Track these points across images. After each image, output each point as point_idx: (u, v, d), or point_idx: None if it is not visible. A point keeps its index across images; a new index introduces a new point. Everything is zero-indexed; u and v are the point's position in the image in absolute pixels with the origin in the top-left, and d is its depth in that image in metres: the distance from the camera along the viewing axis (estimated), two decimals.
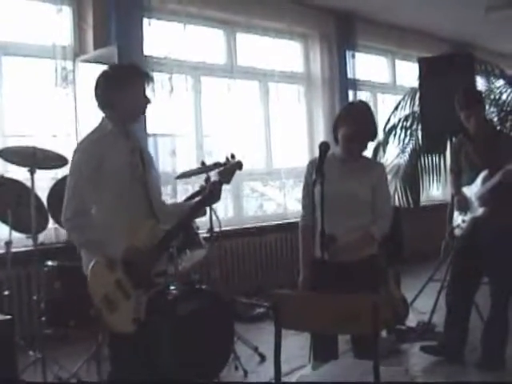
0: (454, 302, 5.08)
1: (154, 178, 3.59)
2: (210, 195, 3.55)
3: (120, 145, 3.40)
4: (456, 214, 5.21)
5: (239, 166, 3.60)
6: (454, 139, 5.42)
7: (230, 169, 3.57)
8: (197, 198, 3.64)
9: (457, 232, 5.19)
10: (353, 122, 3.71)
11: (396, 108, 8.56)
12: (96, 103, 3.47)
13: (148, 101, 3.47)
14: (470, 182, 4.98)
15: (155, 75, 6.94)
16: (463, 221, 5.09)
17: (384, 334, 5.46)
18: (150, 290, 3.32)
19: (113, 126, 3.42)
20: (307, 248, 3.78)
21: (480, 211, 4.92)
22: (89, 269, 3.31)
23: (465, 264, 5.03)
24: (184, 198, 5.32)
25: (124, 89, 3.37)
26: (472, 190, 4.96)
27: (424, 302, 6.38)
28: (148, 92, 3.50)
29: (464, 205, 5.05)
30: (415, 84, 7.48)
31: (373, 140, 3.86)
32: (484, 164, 4.86)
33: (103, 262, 3.27)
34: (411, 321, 5.92)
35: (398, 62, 10.78)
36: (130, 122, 3.50)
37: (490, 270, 4.98)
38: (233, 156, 3.58)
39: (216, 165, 5.18)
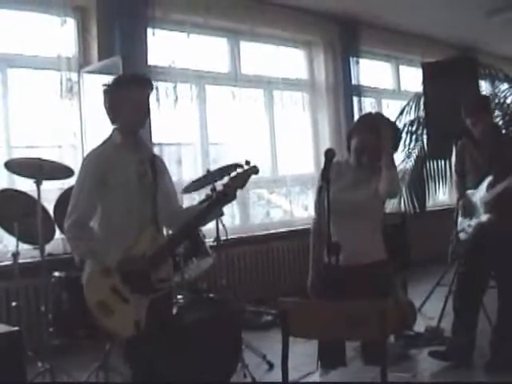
0: (461, 306, 5.06)
1: (165, 187, 3.59)
2: (220, 197, 3.52)
3: (127, 157, 3.43)
4: (460, 217, 5.21)
5: (255, 170, 3.56)
6: (458, 143, 5.43)
7: (244, 174, 3.53)
8: (208, 202, 3.61)
9: (462, 236, 5.20)
10: (364, 135, 3.75)
11: (401, 113, 8.60)
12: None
13: (148, 109, 3.49)
14: (475, 185, 4.99)
15: (160, 84, 6.98)
16: (469, 225, 5.09)
17: (392, 339, 5.44)
18: (150, 294, 3.34)
19: (121, 138, 3.45)
20: (317, 251, 3.82)
21: (485, 217, 4.92)
22: (84, 276, 3.39)
23: (471, 268, 5.03)
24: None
25: (120, 99, 3.41)
26: (477, 195, 4.97)
27: (432, 306, 6.37)
28: (151, 99, 3.53)
29: (469, 209, 5.05)
30: (420, 89, 7.49)
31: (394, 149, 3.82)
32: (489, 169, 4.86)
33: (98, 270, 3.33)
34: (419, 326, 5.90)
35: (402, 67, 10.79)
36: (132, 131, 3.51)
37: (498, 275, 4.97)
38: (247, 162, 3.55)
39: (223, 169, 5.19)
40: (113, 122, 3.50)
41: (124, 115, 3.42)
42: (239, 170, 3.52)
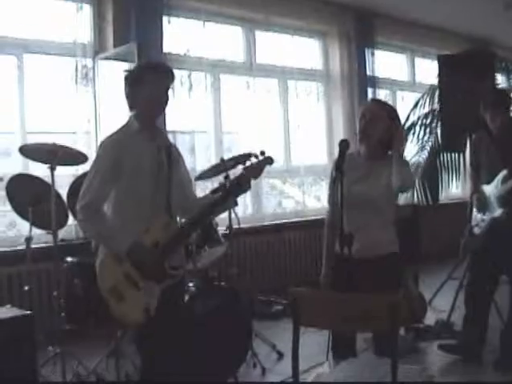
0: (472, 301, 5.06)
1: (180, 175, 3.60)
2: (235, 187, 3.53)
3: (143, 144, 3.43)
4: (475, 212, 5.19)
5: (270, 161, 3.55)
6: (473, 136, 5.40)
7: (259, 164, 3.53)
8: (222, 192, 3.61)
9: (476, 230, 5.17)
10: (361, 118, 3.79)
11: (415, 106, 8.56)
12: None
13: (166, 98, 3.49)
14: (490, 179, 4.96)
15: (174, 72, 6.97)
16: (482, 220, 5.07)
17: (402, 332, 5.44)
18: (163, 281, 3.34)
19: (138, 125, 3.45)
20: (330, 244, 3.83)
21: (499, 212, 4.90)
22: (98, 261, 3.40)
23: (483, 263, 5.01)
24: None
25: (140, 86, 3.42)
26: (491, 190, 4.94)
27: (443, 300, 6.36)
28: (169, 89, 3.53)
29: (483, 204, 5.03)
30: (435, 81, 7.46)
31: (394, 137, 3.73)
32: (504, 163, 4.84)
33: (111, 255, 3.34)
34: (430, 319, 5.89)
35: (417, 59, 10.73)
36: (150, 119, 3.51)
37: (509, 270, 4.95)
38: (262, 153, 3.54)
39: (237, 158, 5.18)
40: (131, 109, 3.51)
41: (142, 103, 3.43)
42: (254, 161, 3.51)
